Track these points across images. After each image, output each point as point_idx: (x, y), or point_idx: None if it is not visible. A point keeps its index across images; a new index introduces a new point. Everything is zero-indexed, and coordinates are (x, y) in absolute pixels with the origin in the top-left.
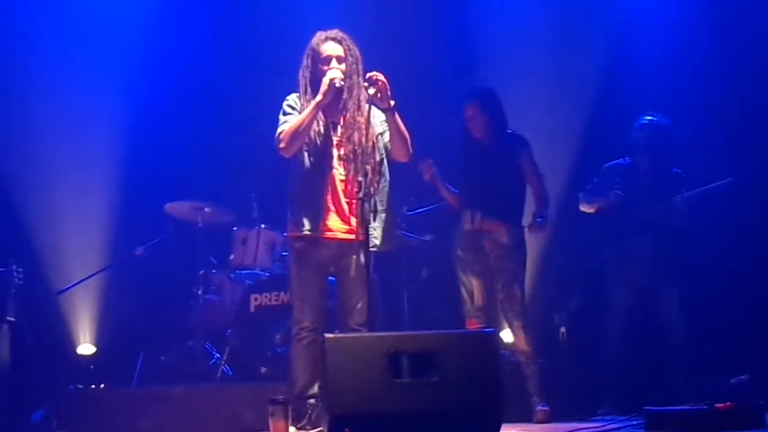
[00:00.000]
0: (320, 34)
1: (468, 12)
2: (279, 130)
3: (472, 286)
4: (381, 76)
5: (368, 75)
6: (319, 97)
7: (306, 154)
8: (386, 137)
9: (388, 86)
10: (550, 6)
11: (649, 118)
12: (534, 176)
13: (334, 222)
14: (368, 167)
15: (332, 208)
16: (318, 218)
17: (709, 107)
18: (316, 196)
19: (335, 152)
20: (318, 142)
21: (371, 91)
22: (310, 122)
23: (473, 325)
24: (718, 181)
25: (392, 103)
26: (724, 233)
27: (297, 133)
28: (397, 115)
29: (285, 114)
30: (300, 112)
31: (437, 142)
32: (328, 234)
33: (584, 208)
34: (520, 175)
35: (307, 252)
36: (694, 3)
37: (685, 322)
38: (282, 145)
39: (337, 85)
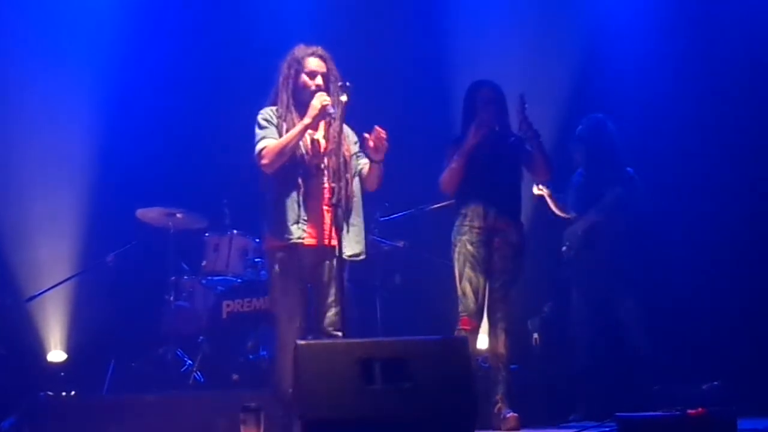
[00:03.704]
0: (304, 48)
1: (440, 15)
2: (260, 146)
3: (479, 285)
4: (383, 134)
5: (376, 131)
6: (307, 121)
7: (286, 164)
8: (360, 163)
9: (386, 145)
10: (522, 8)
11: (579, 127)
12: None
13: (315, 229)
14: (346, 177)
15: (313, 215)
16: (302, 226)
17: (682, 110)
18: (297, 204)
19: (315, 162)
20: (298, 152)
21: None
22: (297, 143)
23: (470, 325)
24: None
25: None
26: (696, 237)
27: (282, 152)
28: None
29: (261, 128)
30: (276, 125)
31: (412, 139)
32: (311, 241)
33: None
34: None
35: (289, 261)
36: (666, 7)
37: (645, 331)
38: (265, 161)
39: (331, 112)
